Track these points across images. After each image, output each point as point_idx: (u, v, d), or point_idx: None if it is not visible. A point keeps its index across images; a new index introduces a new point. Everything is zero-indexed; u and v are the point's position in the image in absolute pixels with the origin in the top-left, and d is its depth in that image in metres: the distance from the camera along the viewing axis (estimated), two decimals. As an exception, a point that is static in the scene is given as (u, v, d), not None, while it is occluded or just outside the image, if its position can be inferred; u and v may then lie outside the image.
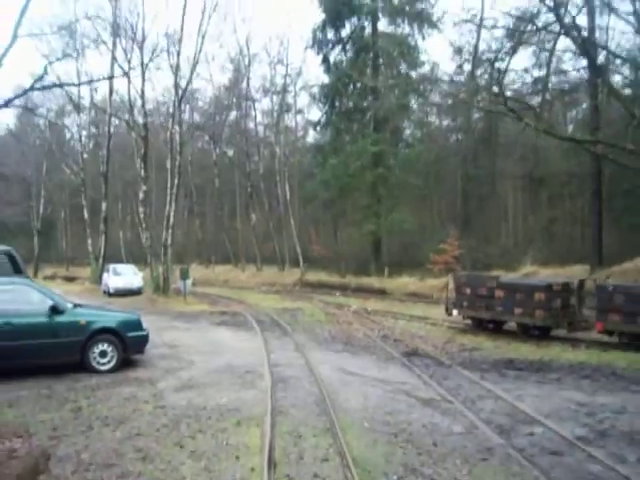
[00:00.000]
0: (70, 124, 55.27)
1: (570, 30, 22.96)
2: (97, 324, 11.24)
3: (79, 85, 26.10)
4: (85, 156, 45.07)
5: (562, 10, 23.52)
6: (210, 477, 5.90)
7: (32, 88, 21.50)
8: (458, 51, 42.82)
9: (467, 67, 40.04)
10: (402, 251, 43.82)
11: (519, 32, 26.77)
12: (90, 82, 26.01)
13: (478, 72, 39.37)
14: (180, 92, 32.40)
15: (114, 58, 31.91)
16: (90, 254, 43.09)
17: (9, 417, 8.08)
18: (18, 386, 9.78)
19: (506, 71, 33.97)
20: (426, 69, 42.30)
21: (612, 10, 24.10)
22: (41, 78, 20.75)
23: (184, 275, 29.06)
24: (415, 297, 30.57)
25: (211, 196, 63.58)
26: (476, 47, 38.74)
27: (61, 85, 24.72)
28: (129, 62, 32.67)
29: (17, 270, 14.49)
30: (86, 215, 42.45)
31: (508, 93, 32.44)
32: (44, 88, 22.60)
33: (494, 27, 28.26)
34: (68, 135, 57.98)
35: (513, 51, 32.63)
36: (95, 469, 6.11)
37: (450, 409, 8.76)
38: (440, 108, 45.51)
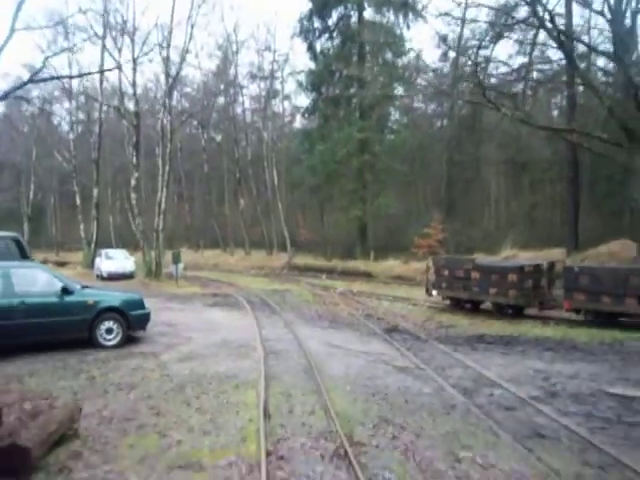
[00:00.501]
0: (59, 110, 55.94)
1: (546, 23, 24.01)
2: (103, 303, 12.27)
3: (77, 77, 26.73)
4: (74, 142, 45.43)
5: (538, 4, 24.63)
6: (215, 426, 6.99)
7: (31, 81, 22.28)
8: (443, 39, 43.90)
9: (452, 54, 41.27)
10: (388, 235, 44.94)
11: (499, 25, 27.75)
12: (87, 74, 26.67)
13: (463, 59, 40.64)
14: (170, 81, 33.19)
15: (105, 49, 32.59)
16: (82, 239, 43.86)
17: (32, 385, 9.10)
18: (34, 360, 10.79)
19: (489, 61, 35.10)
20: (411, 57, 43.46)
21: (587, 4, 25.15)
22: (39, 71, 21.58)
23: (176, 259, 30.08)
24: (399, 280, 31.70)
25: (199, 181, 64.44)
26: (460, 36, 39.76)
27: (58, 77, 25.40)
28: (119, 51, 33.43)
29: (24, 255, 15.42)
30: (78, 201, 43.19)
31: (493, 80, 33.64)
32: (42, 80, 23.35)
33: (474, 21, 29.18)
34: (56, 121, 58.48)
35: (495, 41, 33.63)
36: (117, 422, 7.18)
37: (422, 375, 9.92)
38: (425, 95, 46.55)
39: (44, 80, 24.35)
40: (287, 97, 58.68)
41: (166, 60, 30.90)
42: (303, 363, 10.54)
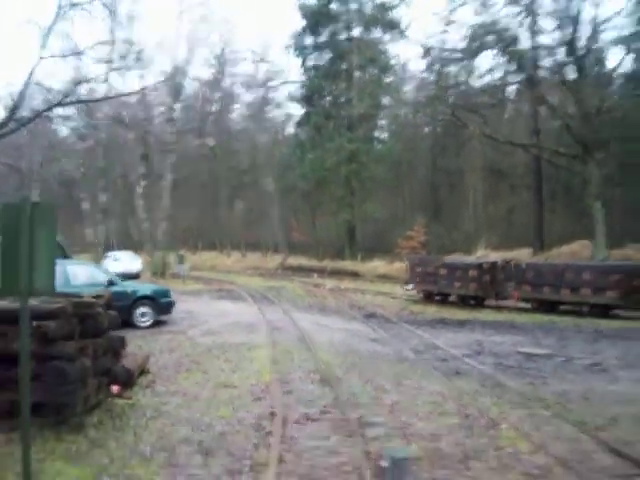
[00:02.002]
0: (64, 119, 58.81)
1: (507, 49, 27.50)
2: (139, 292, 15.50)
3: (101, 100, 29.63)
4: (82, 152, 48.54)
5: (504, 32, 28.16)
6: (239, 368, 10.24)
7: (60, 104, 25.34)
8: (426, 52, 47.52)
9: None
10: (375, 237, 48.18)
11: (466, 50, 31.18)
12: (111, 98, 29.56)
13: (448, 69, 44.28)
14: (174, 97, 36.42)
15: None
16: (91, 242, 46.88)
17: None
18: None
19: (471, 71, 38.87)
20: (397, 69, 47.01)
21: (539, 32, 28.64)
22: (67, 96, 24.63)
23: (181, 260, 33.32)
24: (384, 278, 34.96)
25: (196, 186, 67.44)
26: (442, 50, 43.33)
27: (85, 102, 28.36)
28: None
29: (65, 256, 18.54)
30: (86, 206, 46.24)
31: (474, 90, 37.01)
32: (70, 104, 26.33)
33: (450, 50, 32.47)
34: (65, 132, 61.29)
35: (472, 57, 37.09)
36: (170, 367, 10.39)
37: (387, 343, 13.24)
38: (407, 106, 50.02)
39: (73, 103, 27.30)
40: (279, 105, 61.68)
41: (173, 83, 34.03)
42: (298, 335, 13.83)
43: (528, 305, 20.09)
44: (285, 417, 7.34)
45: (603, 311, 17.97)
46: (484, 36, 29.71)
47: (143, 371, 9.55)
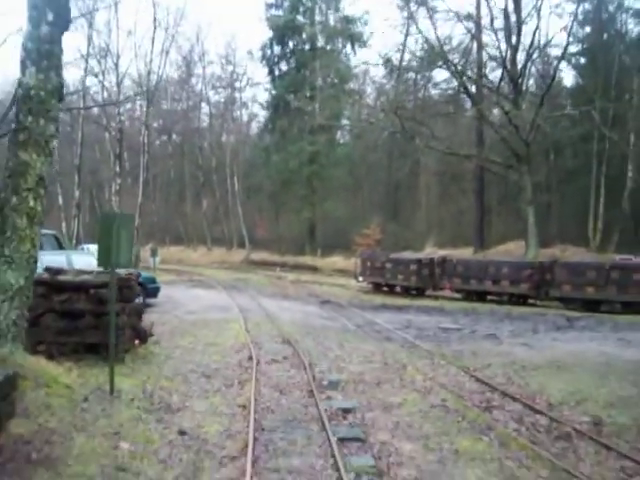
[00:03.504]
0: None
1: (455, 73, 31.14)
2: (131, 278, 18.47)
3: (90, 108, 32.23)
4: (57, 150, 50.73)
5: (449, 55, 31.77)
6: (220, 334, 13.38)
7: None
8: (386, 61, 51.25)
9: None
10: (334, 235, 51.46)
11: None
12: (101, 106, 32.15)
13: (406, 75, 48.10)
14: (148, 104, 39.20)
15: (91, 73, 38.44)
16: (70, 234, 49.24)
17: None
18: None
19: (429, 80, 42.76)
20: (359, 76, 50.66)
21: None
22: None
23: (154, 253, 36.19)
24: (341, 272, 38.30)
25: (162, 183, 69.99)
26: (401, 60, 47.14)
27: (70, 109, 30.88)
28: (103, 74, 39.24)
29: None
30: (61, 201, 48.56)
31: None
32: (70, 110, 28.82)
33: (406, 69, 35.95)
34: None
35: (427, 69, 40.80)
36: (167, 333, 13.45)
37: (336, 320, 16.57)
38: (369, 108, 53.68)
39: (72, 109, 29.88)
40: (245, 104, 64.45)
41: (147, 88, 36.81)
42: (264, 314, 17.09)
43: (459, 295, 23.64)
44: (258, 360, 10.57)
45: (520, 300, 21.60)
46: (435, 52, 33.25)
47: (148, 334, 12.63)
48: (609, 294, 18.94)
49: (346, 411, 7.77)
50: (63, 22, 8.22)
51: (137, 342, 10.89)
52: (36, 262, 8.20)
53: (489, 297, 22.61)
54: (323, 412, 7.53)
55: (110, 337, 8.09)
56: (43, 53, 7.92)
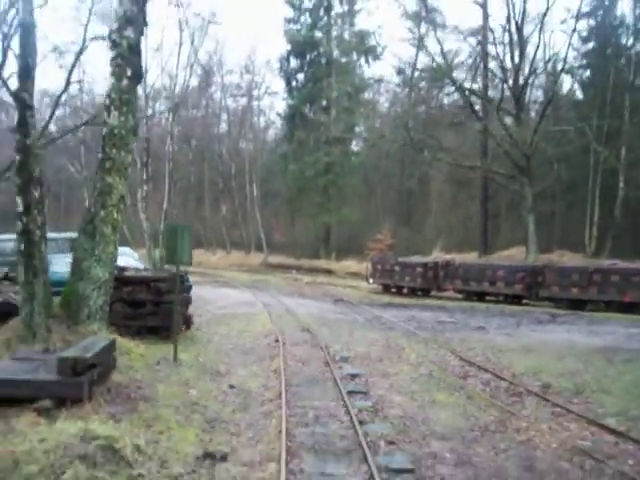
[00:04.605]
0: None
1: (460, 90, 33.48)
2: (167, 277, 20.96)
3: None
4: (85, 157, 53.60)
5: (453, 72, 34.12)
6: (250, 324, 15.81)
7: (85, 123, 30.73)
8: (399, 72, 54.03)
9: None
10: (348, 239, 53.84)
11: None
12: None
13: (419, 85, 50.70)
14: (173, 115, 41.87)
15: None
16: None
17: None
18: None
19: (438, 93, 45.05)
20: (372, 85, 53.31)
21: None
22: (95, 118, 29.81)
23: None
24: (354, 275, 40.61)
25: (182, 187, 72.62)
26: (413, 69, 49.65)
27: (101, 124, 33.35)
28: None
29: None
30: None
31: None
32: (94, 123, 31.28)
33: (418, 79, 38.30)
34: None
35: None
36: (204, 324, 15.88)
37: (348, 314, 18.98)
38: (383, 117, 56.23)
39: (99, 124, 32.32)
40: (262, 112, 66.99)
41: (173, 107, 39.44)
42: (285, 309, 19.56)
43: (461, 296, 25.96)
44: (284, 342, 12.98)
45: (514, 300, 23.89)
46: (442, 70, 35.67)
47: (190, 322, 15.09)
48: (591, 294, 21.25)
49: (353, 376, 10.15)
50: (138, 77, 10.72)
51: (184, 327, 13.33)
52: (116, 261, 10.69)
53: (487, 297, 24.88)
54: (336, 375, 9.93)
55: (174, 319, 10.56)
56: (123, 101, 10.39)
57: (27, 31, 9.30)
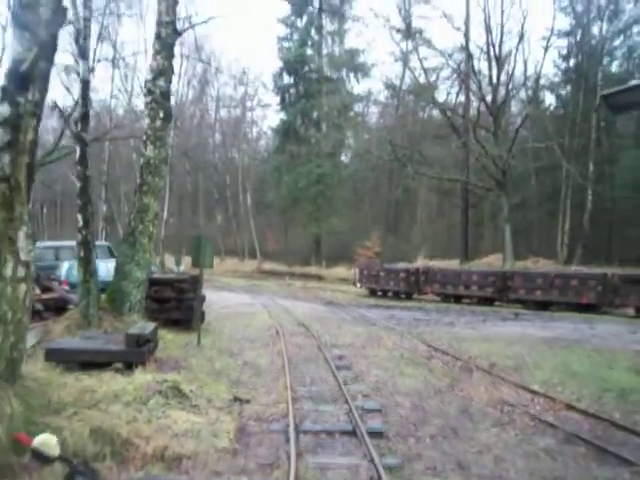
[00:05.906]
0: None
1: (441, 108, 36.28)
2: (176, 281, 23.53)
3: (132, 137, 37.48)
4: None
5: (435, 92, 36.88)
6: (252, 320, 18.41)
7: (96, 139, 33.15)
8: (387, 86, 56.82)
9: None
10: (338, 247, 56.49)
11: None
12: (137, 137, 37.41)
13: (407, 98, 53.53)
14: (173, 126, 44.46)
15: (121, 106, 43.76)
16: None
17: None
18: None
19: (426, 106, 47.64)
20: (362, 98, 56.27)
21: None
22: (106, 133, 32.33)
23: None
24: (343, 280, 43.25)
25: (176, 196, 75.06)
26: (401, 84, 52.49)
27: (125, 138, 36.22)
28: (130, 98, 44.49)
29: (113, 256, 26.40)
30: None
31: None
32: (106, 139, 33.84)
33: (405, 92, 41.08)
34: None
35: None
36: (213, 319, 18.44)
37: (337, 314, 21.64)
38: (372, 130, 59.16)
39: (113, 139, 35.20)
40: (255, 122, 69.74)
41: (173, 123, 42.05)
42: (281, 309, 22.16)
43: (439, 298, 28.64)
44: (283, 334, 15.59)
45: (487, 302, 26.59)
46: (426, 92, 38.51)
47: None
48: (553, 296, 24.00)
49: (341, 357, 12.77)
50: (169, 117, 13.36)
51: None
52: (151, 265, 13.29)
53: (463, 299, 27.56)
54: (327, 356, 12.56)
55: (196, 313, 13.19)
56: (157, 137, 13.01)
57: (86, 86, 11.91)
